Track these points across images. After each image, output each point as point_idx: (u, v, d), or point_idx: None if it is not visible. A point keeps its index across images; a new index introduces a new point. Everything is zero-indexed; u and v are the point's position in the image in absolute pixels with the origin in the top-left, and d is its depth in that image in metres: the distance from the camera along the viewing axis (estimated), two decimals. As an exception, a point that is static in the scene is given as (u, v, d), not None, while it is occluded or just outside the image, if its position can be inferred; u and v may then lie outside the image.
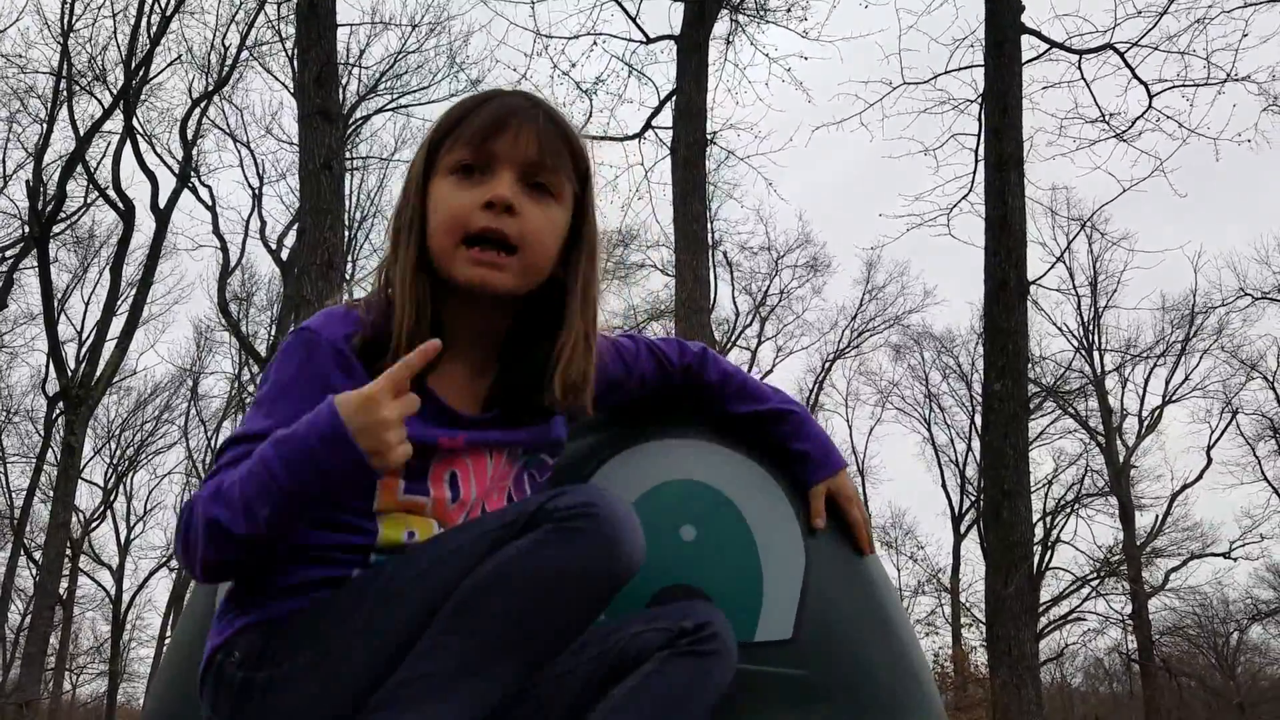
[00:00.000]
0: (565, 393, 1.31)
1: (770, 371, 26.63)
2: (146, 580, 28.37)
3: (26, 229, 18.41)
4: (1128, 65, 10.55)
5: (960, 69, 11.26)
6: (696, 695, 1.21)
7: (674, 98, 10.86)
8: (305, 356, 1.25)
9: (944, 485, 27.84)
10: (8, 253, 19.41)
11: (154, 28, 17.62)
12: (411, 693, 1.11)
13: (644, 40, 12.23)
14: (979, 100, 10.19)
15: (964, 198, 11.18)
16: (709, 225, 14.02)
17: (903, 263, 29.70)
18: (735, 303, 25.41)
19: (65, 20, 17.58)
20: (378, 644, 1.16)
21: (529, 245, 1.26)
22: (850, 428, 29.48)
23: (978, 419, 23.04)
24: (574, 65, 14.12)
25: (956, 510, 27.35)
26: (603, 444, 1.58)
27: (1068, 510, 25.84)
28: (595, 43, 12.44)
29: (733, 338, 25.48)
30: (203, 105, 18.86)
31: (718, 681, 1.25)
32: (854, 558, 1.56)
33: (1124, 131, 10.85)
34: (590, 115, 12.66)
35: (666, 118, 11.52)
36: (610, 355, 1.46)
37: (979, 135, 10.20)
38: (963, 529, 26.98)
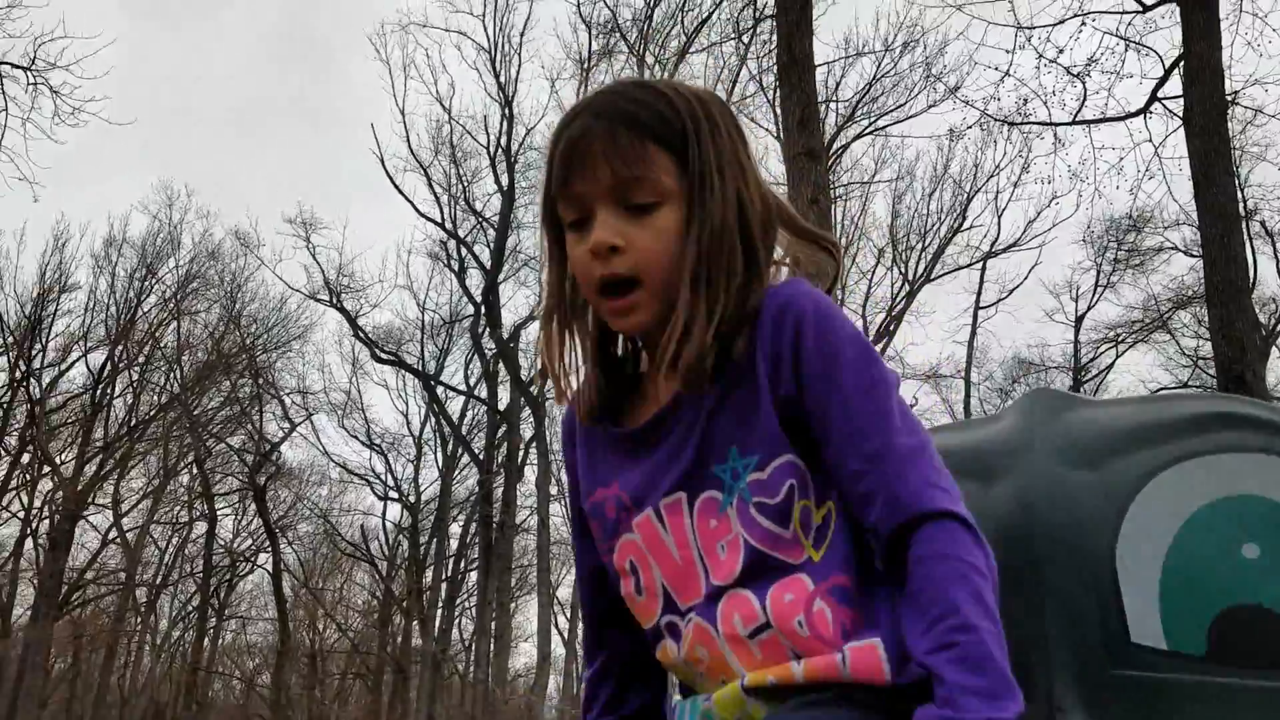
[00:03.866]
0: (687, 383, 1.14)
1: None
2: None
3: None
4: None
5: None
6: None
7: (1181, 63, 9.80)
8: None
9: None
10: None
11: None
12: None
13: (1140, 9, 11.17)
14: None
15: None
16: (1239, 194, 12.34)
17: None
18: (1283, 278, 21.99)
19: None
20: None
21: (646, 272, 1.16)
22: None
23: None
24: (1060, 51, 13.30)
25: None
26: (1146, 461, 1.50)
27: None
28: (1084, 23, 11.61)
29: (1284, 319, 22.03)
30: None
31: None
32: None
33: None
34: (1084, 100, 11.83)
35: (1174, 87, 10.42)
36: (768, 327, 1.16)
37: None
38: None
